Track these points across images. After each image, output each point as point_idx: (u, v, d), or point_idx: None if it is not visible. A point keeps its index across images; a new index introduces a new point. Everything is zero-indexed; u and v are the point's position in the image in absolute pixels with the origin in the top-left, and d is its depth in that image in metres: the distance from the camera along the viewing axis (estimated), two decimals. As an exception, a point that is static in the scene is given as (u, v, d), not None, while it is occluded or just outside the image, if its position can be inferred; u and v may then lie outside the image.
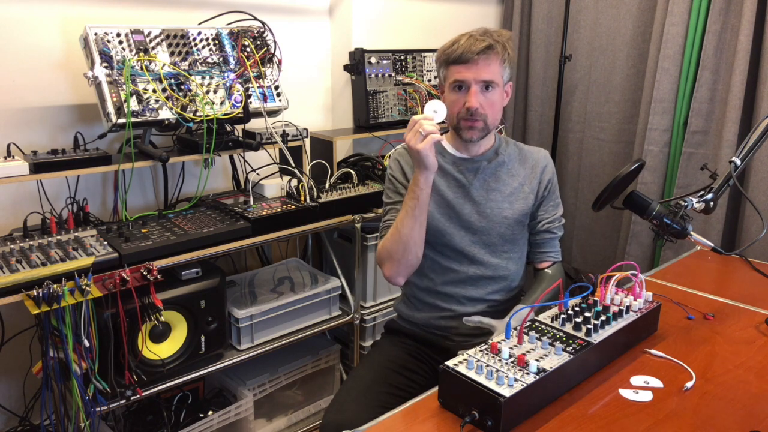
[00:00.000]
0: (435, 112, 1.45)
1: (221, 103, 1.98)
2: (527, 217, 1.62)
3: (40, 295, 1.48)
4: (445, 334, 1.62)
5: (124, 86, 1.80)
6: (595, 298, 1.34)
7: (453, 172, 1.61)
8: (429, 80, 2.68)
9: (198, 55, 1.97)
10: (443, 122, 1.51)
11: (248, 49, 2.06)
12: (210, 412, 2.03)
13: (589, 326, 1.22)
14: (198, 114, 1.91)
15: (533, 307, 1.26)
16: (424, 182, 1.47)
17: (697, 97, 2.45)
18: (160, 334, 1.79)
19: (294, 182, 2.17)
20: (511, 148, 1.66)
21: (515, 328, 1.22)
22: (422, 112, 1.47)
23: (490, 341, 1.17)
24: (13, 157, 1.77)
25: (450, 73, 1.53)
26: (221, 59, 2.01)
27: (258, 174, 2.29)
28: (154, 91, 1.85)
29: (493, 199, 1.60)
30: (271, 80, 2.11)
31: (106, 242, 1.70)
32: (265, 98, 2.08)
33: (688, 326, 1.46)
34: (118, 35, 1.83)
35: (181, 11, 2.20)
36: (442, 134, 1.69)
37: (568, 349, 1.16)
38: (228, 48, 2.04)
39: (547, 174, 1.64)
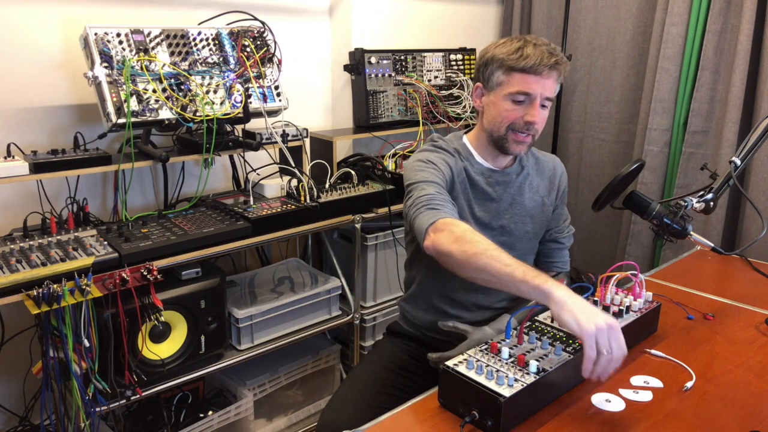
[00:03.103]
0: None
1: (221, 103, 1.98)
2: (544, 228, 1.61)
3: (40, 295, 1.48)
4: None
5: (124, 86, 1.80)
6: (595, 298, 1.34)
7: (482, 185, 1.53)
8: (429, 80, 2.68)
9: (198, 55, 1.97)
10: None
11: (248, 49, 2.06)
12: (210, 412, 2.03)
13: (589, 326, 1.22)
14: (198, 114, 1.91)
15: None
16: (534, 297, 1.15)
17: (697, 97, 2.45)
18: (160, 334, 1.79)
19: (294, 182, 2.17)
20: (530, 158, 1.61)
21: (516, 328, 1.22)
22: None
23: (490, 342, 1.17)
24: (13, 157, 1.77)
25: (513, 81, 1.41)
26: (221, 59, 2.01)
27: (258, 174, 2.29)
28: (154, 91, 1.85)
29: (518, 213, 1.56)
30: (271, 80, 2.10)
31: (106, 242, 1.70)
32: (265, 98, 2.08)
33: (688, 326, 1.46)
34: (118, 35, 1.83)
35: (181, 11, 2.20)
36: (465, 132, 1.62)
37: (568, 349, 1.16)
38: (228, 48, 2.04)
39: (563, 184, 1.62)
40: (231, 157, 2.32)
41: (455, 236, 1.23)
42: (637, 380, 1.22)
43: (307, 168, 2.33)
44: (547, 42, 1.43)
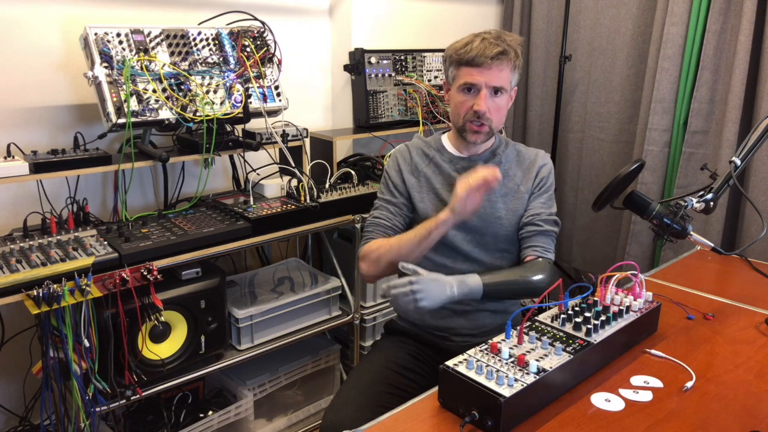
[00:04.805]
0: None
1: (221, 103, 1.98)
2: (519, 215, 1.61)
3: (40, 295, 1.48)
4: (443, 334, 1.62)
5: (124, 86, 1.80)
6: (595, 298, 1.34)
7: (449, 171, 1.62)
8: (429, 80, 2.68)
9: (198, 55, 1.97)
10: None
11: (248, 49, 2.06)
12: (210, 412, 2.03)
13: (589, 326, 1.22)
14: (198, 114, 1.91)
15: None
16: (444, 223, 1.46)
17: (697, 97, 2.45)
18: (160, 334, 1.79)
19: (294, 182, 2.17)
20: (510, 150, 1.66)
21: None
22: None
23: (490, 342, 1.17)
24: (13, 157, 1.77)
25: (461, 74, 1.53)
26: (221, 59, 2.01)
27: (258, 174, 2.29)
28: (154, 91, 1.85)
29: (488, 198, 1.58)
30: (271, 80, 2.11)
31: (106, 242, 1.70)
32: (265, 98, 2.08)
33: (688, 326, 1.46)
34: (118, 35, 1.83)
35: (181, 11, 2.20)
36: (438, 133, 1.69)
37: (568, 349, 1.16)
38: (228, 48, 2.04)
39: (543, 172, 1.63)
40: (231, 157, 2.32)
41: (372, 255, 1.55)
42: (637, 380, 1.21)
43: (307, 168, 2.33)
44: (498, 35, 1.52)
